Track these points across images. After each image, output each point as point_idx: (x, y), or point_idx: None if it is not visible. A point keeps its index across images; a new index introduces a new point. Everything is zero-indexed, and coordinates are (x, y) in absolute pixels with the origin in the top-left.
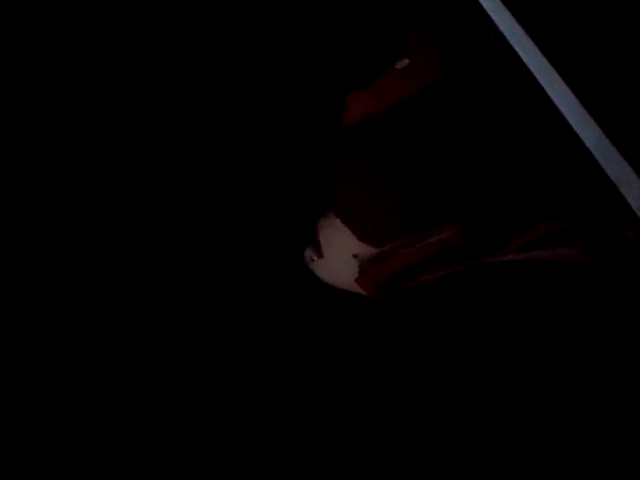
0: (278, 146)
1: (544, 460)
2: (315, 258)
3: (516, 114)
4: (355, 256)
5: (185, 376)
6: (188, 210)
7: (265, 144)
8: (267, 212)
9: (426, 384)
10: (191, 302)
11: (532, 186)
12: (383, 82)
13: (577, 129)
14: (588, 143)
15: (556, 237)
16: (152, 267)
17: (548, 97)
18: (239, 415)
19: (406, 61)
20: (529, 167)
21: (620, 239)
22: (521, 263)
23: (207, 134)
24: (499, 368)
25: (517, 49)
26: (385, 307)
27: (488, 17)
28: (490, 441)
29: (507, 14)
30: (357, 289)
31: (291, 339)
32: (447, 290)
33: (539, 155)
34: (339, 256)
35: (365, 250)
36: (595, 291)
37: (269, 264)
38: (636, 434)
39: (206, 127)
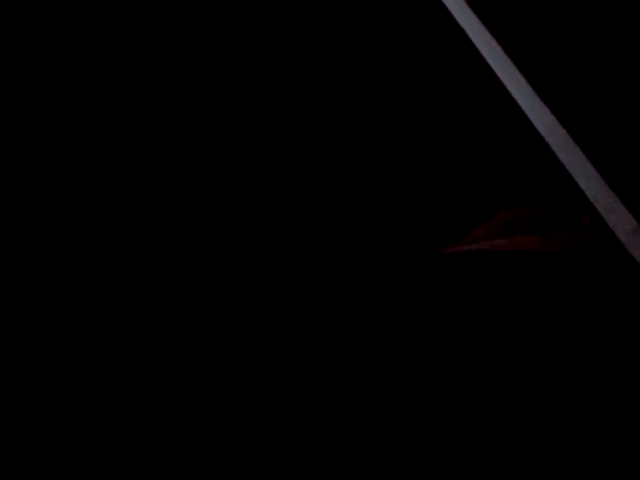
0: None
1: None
2: None
3: (471, 105)
4: None
5: (189, 368)
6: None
7: None
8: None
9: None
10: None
11: (489, 176)
12: None
13: (532, 118)
14: (543, 132)
15: (514, 226)
16: (158, 266)
17: (506, 90)
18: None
19: None
20: (484, 157)
21: (577, 227)
22: (480, 252)
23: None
24: (458, 357)
25: (471, 36)
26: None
27: None
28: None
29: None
30: None
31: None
32: (407, 278)
33: (494, 145)
34: None
35: None
36: (553, 279)
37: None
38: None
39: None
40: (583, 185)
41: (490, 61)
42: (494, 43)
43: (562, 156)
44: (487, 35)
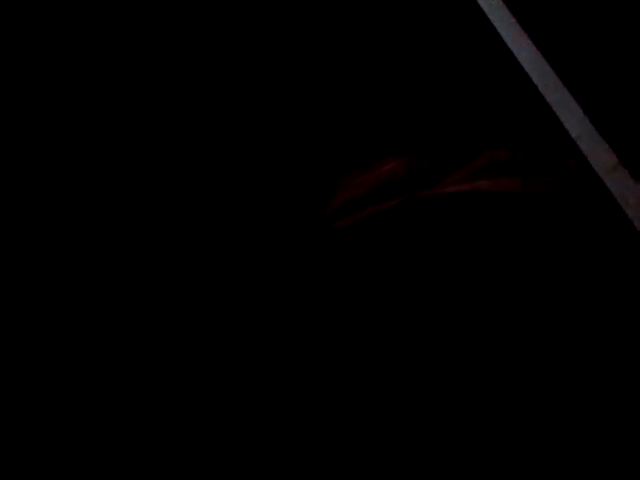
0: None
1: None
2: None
3: (456, 42)
4: None
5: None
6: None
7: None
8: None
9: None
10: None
11: (474, 117)
12: None
13: (516, 54)
14: (527, 67)
15: (498, 167)
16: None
17: (492, 25)
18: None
19: None
20: (471, 99)
21: (561, 168)
22: (462, 194)
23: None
24: (441, 299)
25: None
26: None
27: None
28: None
29: None
30: None
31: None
32: (391, 221)
33: (476, 82)
34: None
35: None
36: (535, 221)
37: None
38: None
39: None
40: (566, 122)
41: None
42: None
43: (546, 93)
44: None
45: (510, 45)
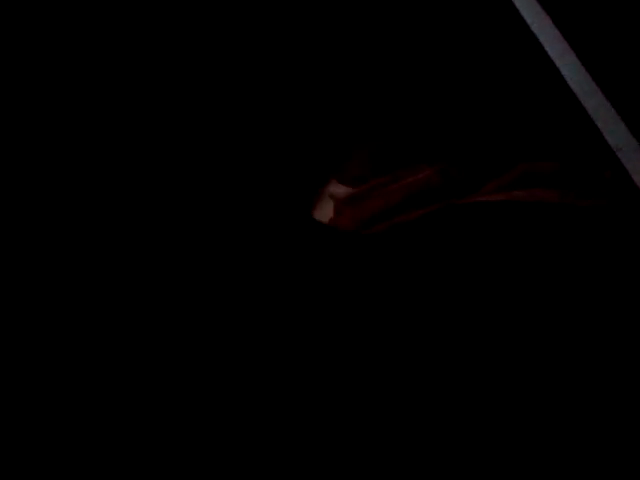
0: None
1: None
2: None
3: (497, 51)
4: (331, 196)
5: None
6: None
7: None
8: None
9: (405, 325)
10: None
11: (510, 126)
12: None
13: (558, 63)
14: (568, 77)
15: (533, 178)
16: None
17: (532, 33)
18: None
19: None
20: (507, 107)
21: (598, 180)
22: (497, 204)
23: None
24: (473, 306)
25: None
26: (363, 242)
27: None
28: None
29: None
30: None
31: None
32: (423, 229)
33: (518, 95)
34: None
35: (340, 191)
36: (572, 232)
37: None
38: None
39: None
40: (606, 134)
41: (522, 11)
42: None
43: (586, 103)
44: None
45: (551, 55)
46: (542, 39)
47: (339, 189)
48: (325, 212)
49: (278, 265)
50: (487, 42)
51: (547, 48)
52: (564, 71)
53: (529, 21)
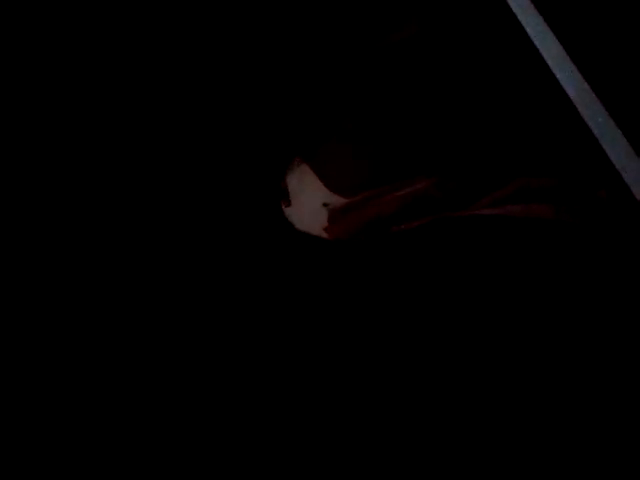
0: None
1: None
2: (282, 206)
3: (497, 64)
4: (325, 205)
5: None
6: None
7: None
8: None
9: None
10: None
11: (507, 141)
12: None
13: (562, 81)
14: (573, 97)
15: (529, 194)
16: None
17: (533, 44)
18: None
19: None
20: (505, 121)
21: (592, 198)
22: (493, 217)
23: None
24: (465, 317)
25: None
26: (356, 252)
27: None
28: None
29: None
30: (327, 237)
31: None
32: (419, 241)
33: (518, 109)
34: (308, 205)
35: (334, 200)
36: (565, 248)
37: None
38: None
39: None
40: (612, 155)
41: (523, 22)
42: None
43: (591, 124)
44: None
45: (555, 72)
46: (544, 53)
47: (334, 198)
48: (319, 220)
49: (268, 272)
50: (488, 56)
51: (549, 62)
52: (565, 85)
53: (531, 35)
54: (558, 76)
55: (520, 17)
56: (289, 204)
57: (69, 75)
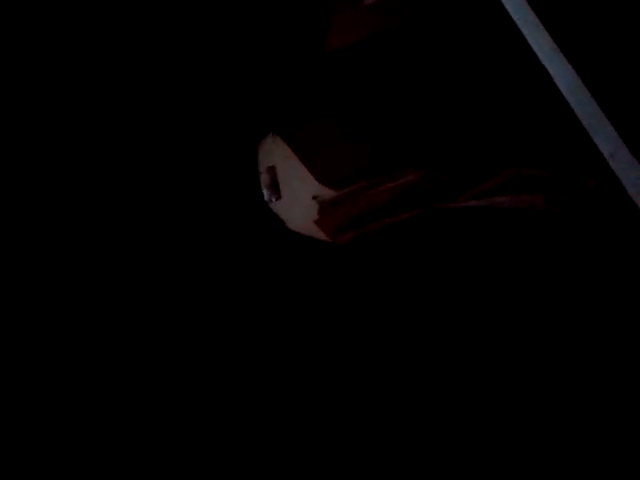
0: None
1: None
2: (273, 199)
3: (486, 55)
4: (315, 198)
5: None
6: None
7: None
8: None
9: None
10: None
11: (497, 131)
12: (349, 18)
13: (551, 72)
14: (562, 87)
15: (519, 184)
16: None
17: (523, 36)
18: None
19: None
20: (494, 111)
21: (581, 188)
22: (483, 209)
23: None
24: (455, 309)
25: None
26: (345, 251)
27: None
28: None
29: None
30: (318, 232)
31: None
32: (409, 233)
33: (506, 98)
34: (299, 198)
35: (324, 192)
36: (555, 238)
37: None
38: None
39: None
40: (599, 143)
41: (512, 14)
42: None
43: (579, 112)
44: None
45: (545, 64)
46: (534, 46)
47: (323, 191)
48: (309, 213)
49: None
50: (478, 49)
51: (539, 54)
52: (555, 77)
53: (522, 27)
54: (548, 68)
55: (510, 10)
56: (279, 197)
57: (63, 74)
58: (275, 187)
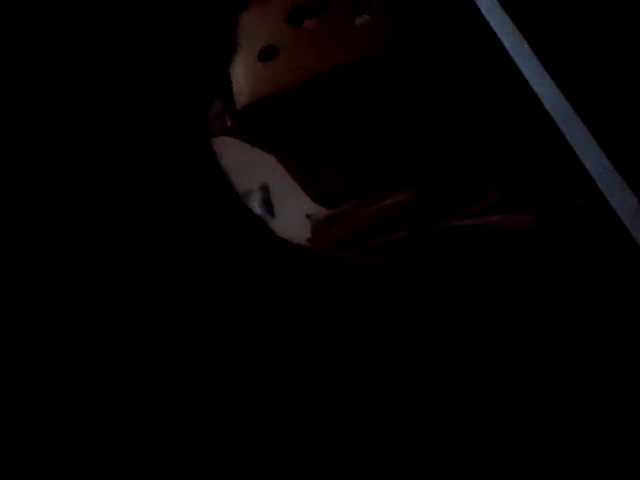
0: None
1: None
2: (268, 218)
3: (475, 75)
4: (308, 216)
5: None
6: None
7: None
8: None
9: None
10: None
11: (487, 151)
12: (338, 38)
13: (538, 91)
14: (547, 105)
15: (510, 204)
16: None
17: (511, 59)
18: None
19: (366, 17)
20: (485, 131)
21: (572, 208)
22: (474, 228)
23: None
24: (447, 329)
25: (482, 9)
26: (341, 267)
27: None
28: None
29: None
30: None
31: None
32: (401, 252)
33: (496, 119)
34: (293, 217)
35: (318, 211)
36: (548, 258)
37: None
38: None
39: None
40: (587, 164)
41: (501, 37)
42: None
43: (567, 133)
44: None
45: (533, 85)
46: (522, 67)
47: (316, 209)
48: (302, 232)
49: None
50: (468, 70)
51: (526, 76)
52: (543, 99)
53: (509, 49)
54: (536, 89)
55: (497, 31)
56: (272, 215)
57: (61, 73)
58: (268, 206)
